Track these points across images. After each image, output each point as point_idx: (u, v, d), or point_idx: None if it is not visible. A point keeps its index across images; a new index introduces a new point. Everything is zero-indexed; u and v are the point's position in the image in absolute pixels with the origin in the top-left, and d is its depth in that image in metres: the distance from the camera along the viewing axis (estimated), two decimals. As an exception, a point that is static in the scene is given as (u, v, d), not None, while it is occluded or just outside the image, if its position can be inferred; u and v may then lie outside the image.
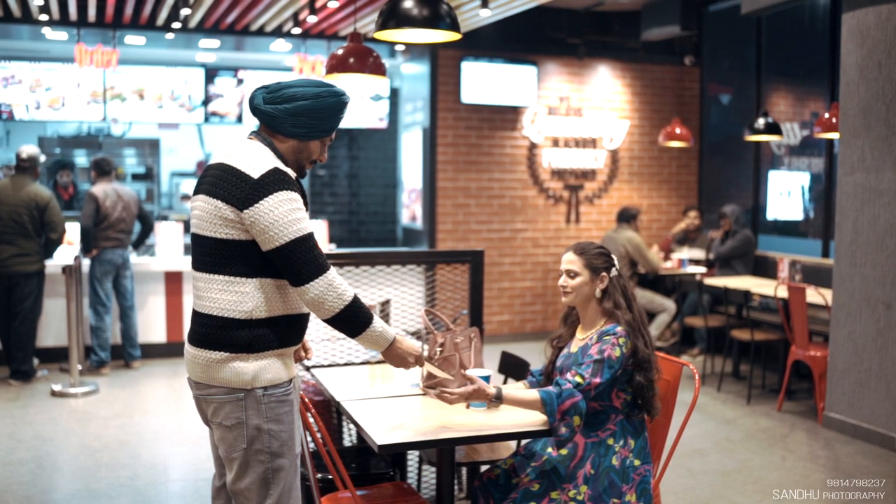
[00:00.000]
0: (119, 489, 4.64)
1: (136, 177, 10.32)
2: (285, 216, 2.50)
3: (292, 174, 2.61)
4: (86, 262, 7.29)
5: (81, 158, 10.30)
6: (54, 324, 7.48)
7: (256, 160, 2.55)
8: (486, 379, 3.01)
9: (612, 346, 3.01)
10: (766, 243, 8.60)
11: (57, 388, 6.61)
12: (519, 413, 3.05)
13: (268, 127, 2.66)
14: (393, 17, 3.36)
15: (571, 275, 3.15)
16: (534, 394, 2.92)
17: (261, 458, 2.58)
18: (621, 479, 3.01)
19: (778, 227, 8.92)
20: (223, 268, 2.55)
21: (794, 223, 8.84)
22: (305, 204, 2.64)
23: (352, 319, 2.59)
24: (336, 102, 2.66)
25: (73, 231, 7.60)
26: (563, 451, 3.07)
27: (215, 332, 2.55)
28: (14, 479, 4.76)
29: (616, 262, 3.20)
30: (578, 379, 2.94)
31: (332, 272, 2.57)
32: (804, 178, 8.57)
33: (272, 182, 2.51)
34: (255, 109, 2.66)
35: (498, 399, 2.93)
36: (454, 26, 3.38)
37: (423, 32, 3.49)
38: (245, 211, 2.49)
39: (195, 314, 2.65)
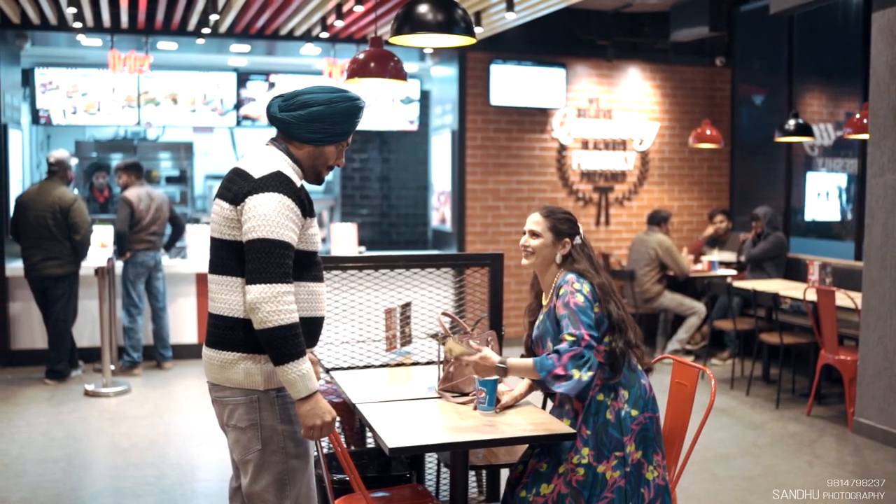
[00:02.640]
0: (146, 488, 4.72)
1: (169, 180, 10.46)
2: (269, 214, 2.51)
3: (298, 182, 2.64)
4: (118, 264, 7.41)
5: (118, 162, 10.45)
6: (88, 325, 7.62)
7: (264, 163, 2.61)
8: (494, 383, 3.03)
9: (572, 293, 3.01)
10: (800, 246, 8.49)
11: (90, 387, 6.73)
12: (532, 415, 3.06)
13: (284, 134, 2.71)
14: (408, 22, 3.38)
15: (533, 235, 3.15)
16: (529, 362, 3.00)
17: (276, 458, 2.61)
18: (619, 432, 3.00)
19: (811, 229, 8.80)
20: (233, 269, 2.60)
21: (827, 226, 8.72)
22: (310, 209, 2.66)
23: (280, 343, 2.47)
24: (350, 107, 2.68)
25: (106, 234, 7.73)
26: (566, 422, 3.06)
27: (228, 333, 2.60)
28: (46, 477, 4.86)
29: (581, 230, 3.19)
30: (570, 338, 2.96)
31: (286, 289, 2.49)
32: (839, 179, 8.46)
33: (270, 183, 2.55)
34: (271, 117, 2.72)
35: (503, 370, 3.00)
36: (469, 31, 3.39)
37: (438, 37, 3.51)
38: (239, 206, 2.55)
39: (210, 316, 2.70)
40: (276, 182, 2.56)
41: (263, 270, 2.48)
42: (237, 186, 2.59)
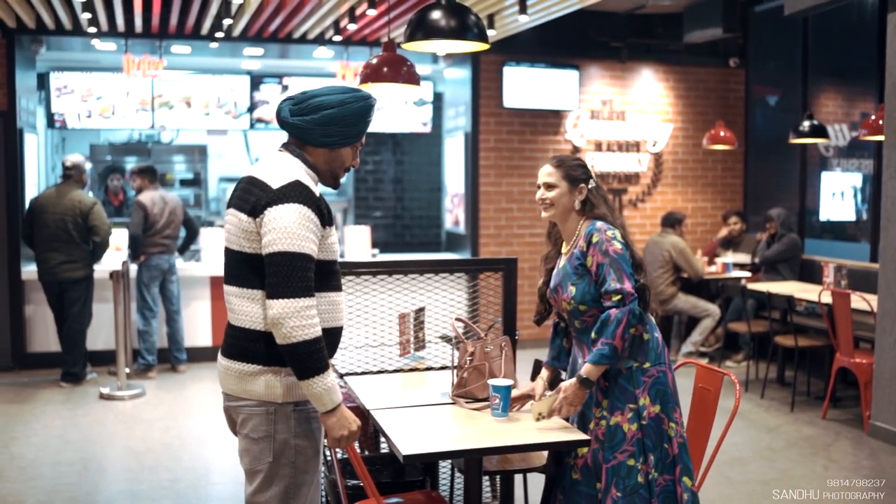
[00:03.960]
0: (160, 491, 4.74)
1: (183, 182, 10.49)
2: (289, 227, 2.46)
3: (316, 190, 2.58)
4: (133, 268, 7.45)
5: (132, 165, 10.50)
6: (103, 328, 7.66)
7: (280, 172, 2.55)
8: (508, 389, 3.02)
9: (608, 241, 3.01)
10: (815, 247, 8.44)
11: (105, 390, 6.76)
12: (547, 422, 3.04)
13: (297, 139, 2.64)
14: (421, 28, 3.38)
15: (549, 187, 3.13)
16: (597, 362, 2.94)
17: (285, 471, 2.57)
18: (630, 384, 3.01)
19: (826, 229, 8.75)
20: (253, 282, 2.54)
21: (843, 227, 8.67)
22: (329, 218, 2.60)
23: (305, 357, 2.44)
24: (363, 106, 2.63)
25: (120, 237, 7.78)
26: None
27: (248, 345, 2.56)
28: (61, 480, 4.89)
29: (593, 173, 3.19)
30: (616, 297, 2.94)
31: (309, 303, 2.46)
32: (854, 179, 8.40)
33: (289, 194, 2.49)
34: (282, 122, 2.64)
35: (588, 382, 2.95)
36: (482, 36, 3.39)
37: (451, 43, 3.51)
38: (258, 218, 2.49)
39: (229, 326, 2.65)
40: (295, 192, 2.49)
41: (285, 284, 2.43)
42: (255, 198, 2.52)
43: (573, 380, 2.98)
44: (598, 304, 3.03)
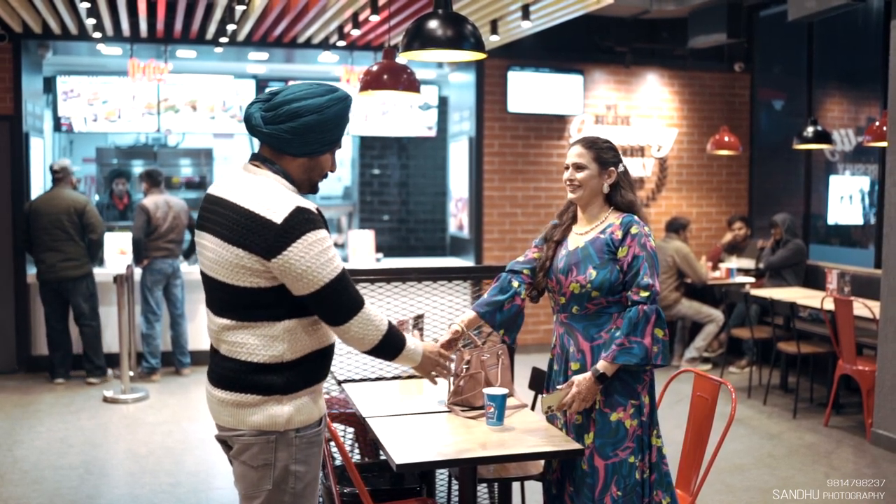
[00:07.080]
0: (161, 495, 4.76)
1: (189, 186, 10.52)
2: (317, 259, 2.33)
3: (313, 206, 2.40)
4: (137, 271, 7.49)
5: (138, 168, 10.53)
6: (108, 331, 7.69)
7: (274, 200, 2.34)
8: (503, 398, 3.03)
9: (646, 236, 3.01)
10: (820, 253, 8.41)
11: (108, 394, 6.80)
12: (542, 431, 3.05)
13: (272, 149, 2.44)
14: (418, 37, 3.39)
15: (579, 168, 3.08)
16: (611, 363, 2.92)
17: (285, 499, 2.45)
18: (634, 380, 2.99)
19: (832, 233, 8.73)
20: (250, 314, 2.39)
21: (848, 232, 8.64)
22: (326, 228, 2.46)
23: (390, 346, 2.57)
24: (342, 108, 2.44)
25: (125, 241, 7.84)
26: (576, 366, 3.08)
27: (245, 377, 2.41)
28: (63, 484, 4.91)
29: (621, 156, 3.18)
30: (644, 293, 2.93)
31: (368, 305, 2.49)
32: (863, 182, 8.38)
33: (297, 225, 2.31)
34: (254, 130, 2.41)
35: (604, 377, 2.93)
36: (478, 46, 3.40)
37: (448, 53, 3.52)
38: (273, 260, 2.31)
39: (219, 356, 2.48)
40: (301, 221, 2.32)
41: (346, 307, 2.43)
42: (258, 236, 2.31)
43: (588, 374, 2.95)
44: (610, 295, 2.99)
